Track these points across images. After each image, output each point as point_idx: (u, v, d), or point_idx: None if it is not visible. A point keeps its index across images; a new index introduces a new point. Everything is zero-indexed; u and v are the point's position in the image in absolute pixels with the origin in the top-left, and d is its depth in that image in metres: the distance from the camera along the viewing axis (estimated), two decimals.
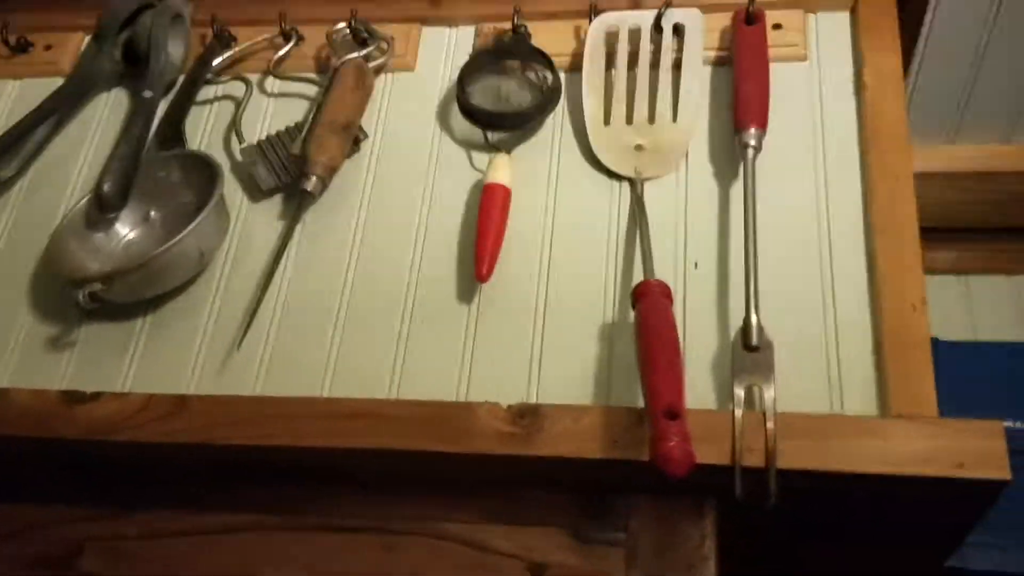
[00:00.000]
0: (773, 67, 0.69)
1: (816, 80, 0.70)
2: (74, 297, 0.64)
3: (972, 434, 0.52)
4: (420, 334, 0.65)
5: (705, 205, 0.67)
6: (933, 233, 1.06)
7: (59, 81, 0.81)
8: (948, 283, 1.09)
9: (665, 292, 0.58)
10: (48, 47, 0.83)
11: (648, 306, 0.56)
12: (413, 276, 0.68)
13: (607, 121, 0.70)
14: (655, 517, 0.59)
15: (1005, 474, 0.51)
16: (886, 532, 0.62)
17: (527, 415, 0.58)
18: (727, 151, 0.69)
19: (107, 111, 0.80)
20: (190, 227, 0.64)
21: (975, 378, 0.86)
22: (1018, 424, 0.83)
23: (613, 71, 0.72)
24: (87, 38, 0.83)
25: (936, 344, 0.92)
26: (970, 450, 0.52)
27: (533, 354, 0.63)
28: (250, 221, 0.72)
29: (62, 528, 0.65)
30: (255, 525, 0.63)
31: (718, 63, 0.73)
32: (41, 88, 0.81)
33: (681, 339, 0.61)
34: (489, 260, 0.63)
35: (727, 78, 0.71)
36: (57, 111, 0.77)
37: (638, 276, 0.62)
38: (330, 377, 0.64)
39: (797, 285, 0.62)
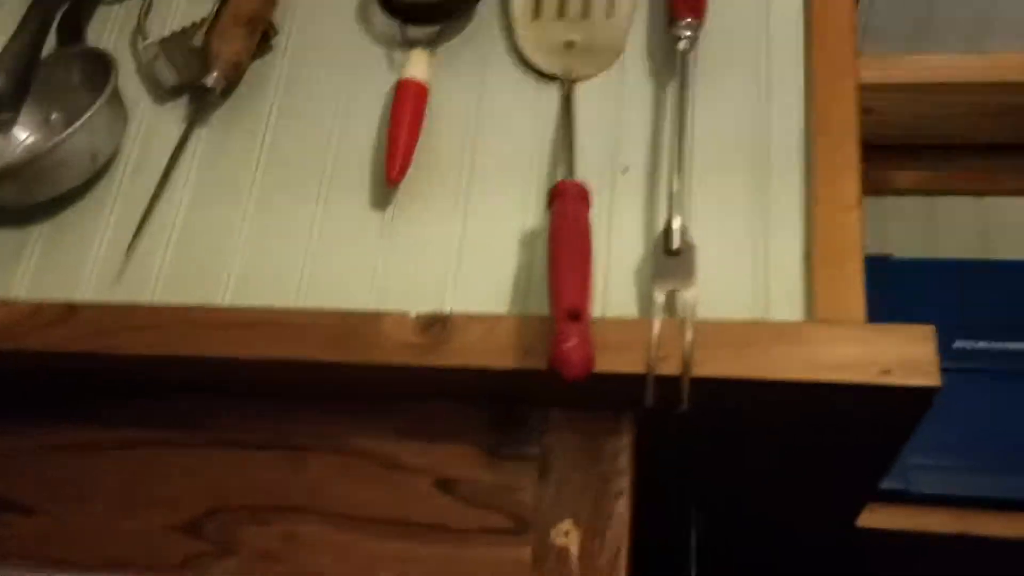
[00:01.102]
0: None
1: None
2: None
3: (900, 340, 0.49)
4: (331, 243, 0.61)
5: (640, 107, 0.62)
6: (898, 151, 1.03)
7: None
8: (913, 204, 1.06)
9: (581, 194, 0.54)
10: None
11: (561, 207, 0.52)
12: (325, 182, 0.64)
13: (536, 15, 0.65)
14: (570, 431, 0.56)
15: (934, 381, 0.48)
16: (817, 446, 0.59)
17: (436, 325, 0.55)
18: (666, 48, 0.64)
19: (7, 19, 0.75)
20: (77, 124, 0.60)
21: (930, 297, 0.83)
22: (971, 344, 0.80)
23: None
24: None
25: (887, 261, 0.90)
26: (897, 356, 0.48)
27: (450, 263, 0.59)
28: (154, 123, 0.68)
29: None
30: (154, 440, 0.60)
31: None
32: None
33: (607, 246, 0.57)
34: (401, 161, 0.59)
35: None
36: None
37: None
38: (233, 286, 0.61)
39: (730, 189, 0.58)
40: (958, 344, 0.79)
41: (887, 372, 0.48)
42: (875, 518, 0.79)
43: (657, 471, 0.57)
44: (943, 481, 0.78)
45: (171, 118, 0.67)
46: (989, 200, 1.01)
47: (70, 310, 0.58)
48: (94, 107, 0.60)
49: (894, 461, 0.59)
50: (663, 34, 0.64)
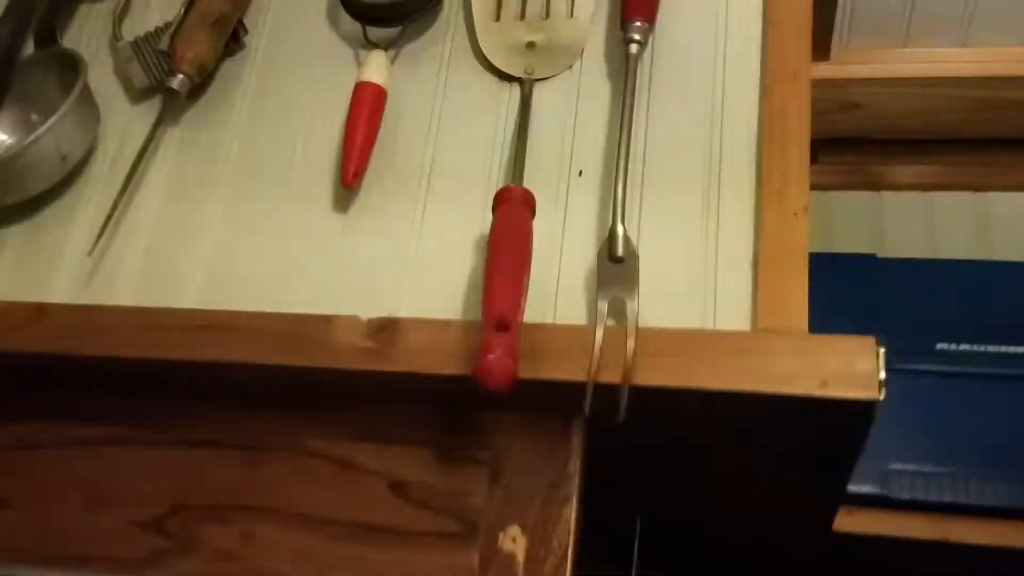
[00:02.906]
0: None
1: None
2: None
3: (840, 351, 0.48)
4: (291, 244, 0.62)
5: (596, 109, 0.62)
6: (893, 146, 1.01)
7: None
8: (909, 200, 1.04)
9: (525, 200, 0.54)
10: None
11: (503, 213, 0.52)
12: (290, 184, 0.64)
13: (497, 16, 0.65)
14: (520, 435, 0.56)
15: (873, 394, 0.47)
16: (769, 455, 0.59)
17: (386, 329, 0.55)
18: (621, 50, 0.63)
19: None
20: (45, 125, 0.61)
21: (914, 298, 0.82)
22: (953, 346, 0.79)
23: None
24: None
25: (873, 260, 0.89)
26: (835, 368, 0.48)
27: (405, 267, 0.60)
28: (129, 123, 0.69)
29: None
30: (116, 438, 0.62)
31: None
32: None
33: (559, 251, 0.58)
34: (355, 165, 0.59)
35: None
36: None
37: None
38: (199, 288, 0.62)
39: (681, 194, 0.58)
40: (940, 346, 0.77)
41: (824, 384, 0.48)
42: (853, 522, 0.79)
43: (605, 476, 0.57)
44: (923, 486, 0.77)
45: (145, 119, 0.68)
46: (986, 195, 0.99)
47: (40, 311, 0.60)
48: (60, 110, 0.61)
49: (851, 469, 0.59)
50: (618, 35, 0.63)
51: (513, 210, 0.52)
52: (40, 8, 0.70)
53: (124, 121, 0.69)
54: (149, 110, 0.69)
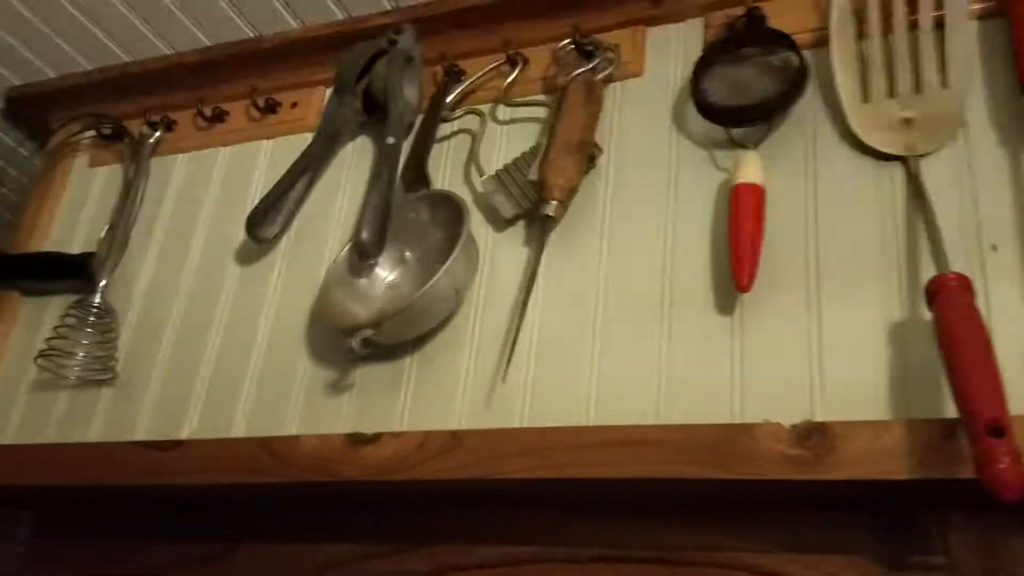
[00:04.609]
0: None
1: None
2: (348, 344, 0.67)
3: None
4: (680, 351, 0.62)
5: (994, 176, 0.59)
6: None
7: (306, 137, 0.85)
8: None
9: (965, 285, 0.51)
10: (294, 104, 0.88)
11: (947, 304, 0.50)
12: (666, 291, 0.65)
13: (867, 97, 0.63)
14: (976, 535, 0.52)
15: None
16: None
17: (814, 435, 0.54)
18: (1011, 112, 0.60)
19: (354, 159, 0.83)
20: (443, 268, 0.65)
21: None
22: None
23: (864, 41, 0.65)
24: (328, 92, 0.87)
25: None
26: None
27: (812, 365, 0.58)
28: (497, 251, 0.73)
29: (355, 566, 0.68)
30: (536, 557, 0.63)
31: (985, 16, 0.64)
32: (290, 145, 0.85)
33: (989, 333, 0.54)
34: (749, 268, 0.59)
35: (1000, 31, 0.62)
36: (310, 167, 0.81)
37: (926, 267, 0.56)
38: (594, 403, 0.63)
39: None
40: None
41: None
42: None
43: None
44: None
45: (513, 245, 0.72)
46: None
47: (455, 439, 0.63)
48: (456, 250, 0.66)
49: None
50: (1007, 98, 0.60)
51: (957, 299, 0.50)
52: (411, 155, 0.76)
53: (489, 249, 0.73)
54: (508, 236, 0.72)
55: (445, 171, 0.79)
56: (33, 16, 0.89)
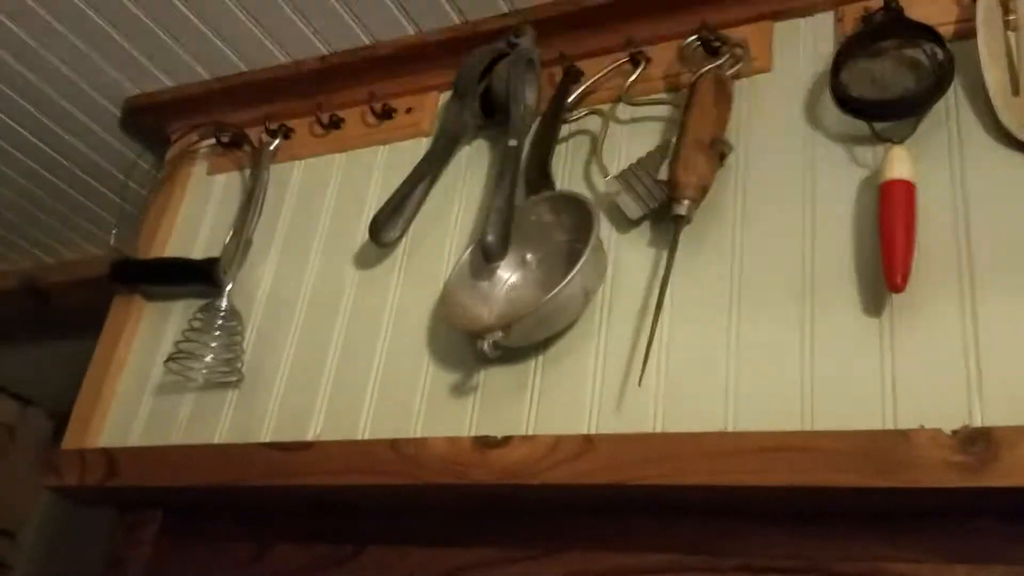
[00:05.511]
0: None
1: None
2: (477, 347, 0.66)
3: None
4: (826, 354, 0.60)
5: None
6: None
7: (421, 142, 0.86)
8: None
9: None
10: (409, 110, 0.88)
11: None
12: (807, 291, 0.63)
13: (1016, 91, 0.61)
14: None
15: None
16: None
17: (978, 441, 0.51)
18: None
19: (471, 163, 0.83)
20: (575, 269, 0.65)
21: None
22: None
23: (1012, 33, 0.62)
24: (441, 96, 0.87)
25: None
26: None
27: (969, 367, 0.56)
28: (622, 253, 0.72)
29: (483, 571, 0.67)
30: (674, 566, 0.62)
31: None
32: (405, 150, 0.86)
33: None
34: (902, 267, 0.57)
35: None
36: (429, 171, 0.81)
37: None
38: (731, 408, 0.61)
39: None
40: None
41: None
42: None
43: None
44: None
45: (638, 245, 0.71)
46: None
47: (588, 443, 0.62)
48: (587, 251, 0.65)
49: None
50: None
51: None
52: (532, 157, 0.76)
53: (614, 250, 0.72)
54: (634, 237, 0.71)
55: (565, 172, 0.78)
56: (155, 25, 0.90)
